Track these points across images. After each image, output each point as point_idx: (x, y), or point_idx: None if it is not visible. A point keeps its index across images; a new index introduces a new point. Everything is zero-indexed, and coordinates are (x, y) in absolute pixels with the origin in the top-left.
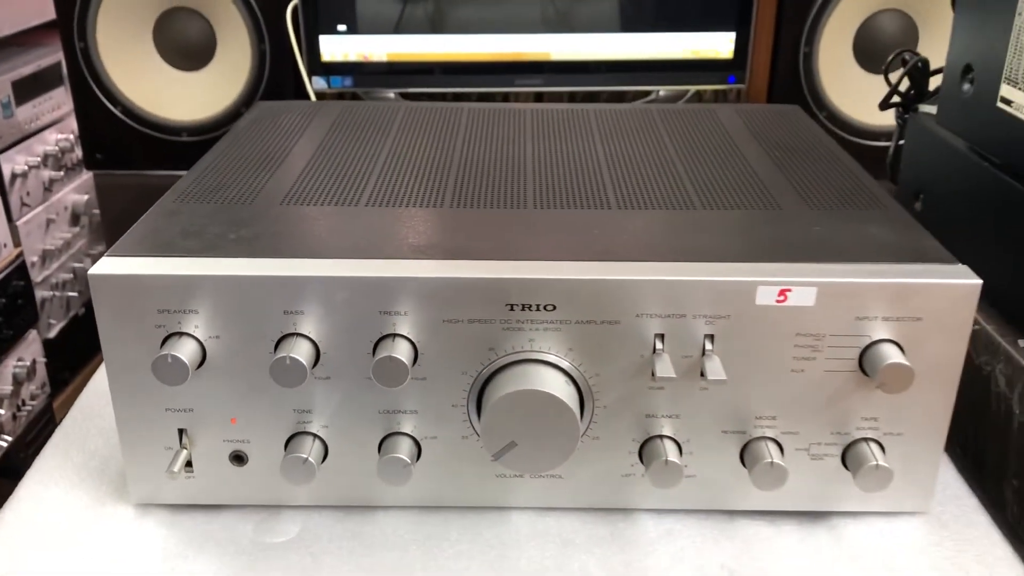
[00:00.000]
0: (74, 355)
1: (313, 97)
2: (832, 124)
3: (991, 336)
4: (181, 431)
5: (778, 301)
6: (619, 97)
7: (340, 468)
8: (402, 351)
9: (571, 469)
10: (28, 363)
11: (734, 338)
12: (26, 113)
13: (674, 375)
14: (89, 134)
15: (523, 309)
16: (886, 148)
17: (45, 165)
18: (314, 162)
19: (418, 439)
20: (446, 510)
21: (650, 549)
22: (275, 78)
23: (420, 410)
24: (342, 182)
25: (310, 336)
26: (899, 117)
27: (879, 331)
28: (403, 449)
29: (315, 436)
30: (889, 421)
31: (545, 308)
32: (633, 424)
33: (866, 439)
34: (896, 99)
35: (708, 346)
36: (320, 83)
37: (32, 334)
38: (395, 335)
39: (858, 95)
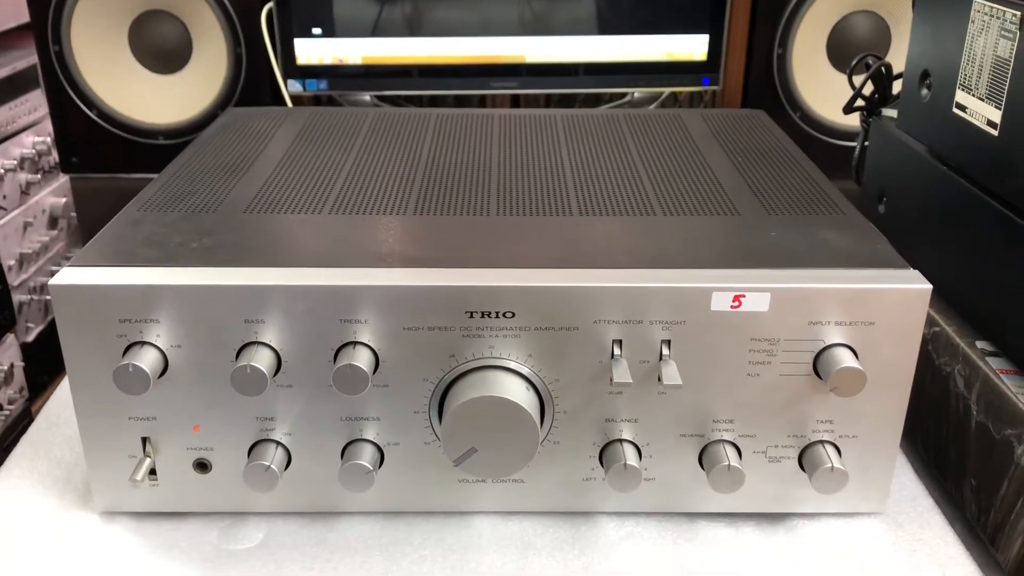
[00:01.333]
0: (52, 359)
1: (288, 100)
2: (806, 124)
3: (950, 337)
4: (144, 439)
5: (733, 307)
6: (594, 99)
7: (303, 475)
8: (362, 359)
9: (533, 473)
10: (6, 367)
11: (690, 343)
12: (2, 116)
13: (631, 381)
14: (65, 137)
15: (483, 316)
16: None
17: (22, 168)
18: (280, 170)
19: (380, 445)
20: (409, 515)
21: (610, 552)
22: (251, 81)
23: (382, 417)
24: (307, 190)
25: (271, 345)
26: (863, 121)
27: (832, 335)
28: (365, 456)
29: (278, 443)
30: (844, 423)
31: (504, 315)
32: (593, 428)
33: (822, 441)
34: (860, 103)
35: (665, 351)
36: (295, 86)
37: (9, 338)
38: (356, 343)
39: (832, 96)
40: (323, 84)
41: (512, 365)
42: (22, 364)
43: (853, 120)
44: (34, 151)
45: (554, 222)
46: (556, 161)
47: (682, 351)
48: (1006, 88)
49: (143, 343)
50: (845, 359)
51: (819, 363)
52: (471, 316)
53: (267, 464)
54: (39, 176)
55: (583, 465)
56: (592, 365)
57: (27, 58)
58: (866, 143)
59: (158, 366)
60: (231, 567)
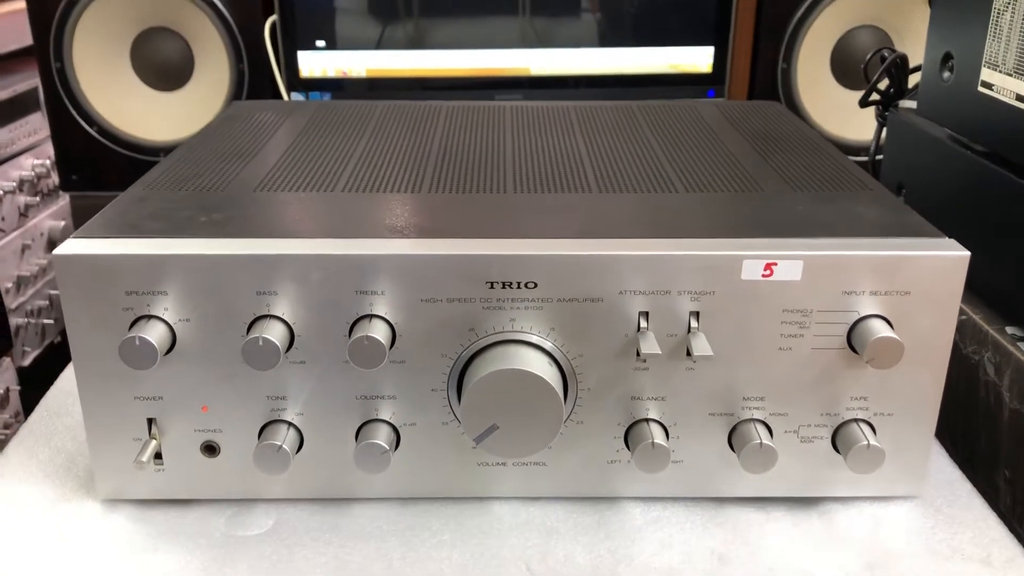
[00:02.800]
0: (49, 383)
1: None
2: None
3: (978, 325)
4: (150, 421)
5: (764, 276)
6: None
7: (316, 458)
8: (379, 331)
9: (555, 456)
10: (1, 391)
11: (720, 315)
12: (1, 137)
13: (660, 352)
14: (65, 155)
15: (504, 287)
16: (866, 162)
17: (21, 190)
18: (290, 153)
19: (396, 426)
20: (426, 501)
21: (637, 536)
22: (254, 96)
23: (398, 395)
24: (318, 170)
25: (284, 318)
26: (879, 115)
27: (867, 306)
28: (381, 436)
29: (290, 424)
30: (879, 401)
31: (526, 286)
32: (618, 407)
33: (856, 420)
34: (876, 97)
35: (693, 323)
36: (299, 99)
37: (6, 362)
38: (372, 316)
39: (836, 110)
40: (327, 97)
41: (534, 339)
42: (18, 388)
43: (858, 134)
44: (33, 173)
45: (574, 199)
46: (571, 145)
47: (711, 323)
48: None
49: (150, 316)
50: (881, 329)
51: (853, 335)
52: (492, 287)
53: (278, 445)
54: (38, 198)
55: (608, 446)
56: (617, 339)
57: (27, 81)
58: (881, 141)
59: (165, 341)
60: (239, 553)
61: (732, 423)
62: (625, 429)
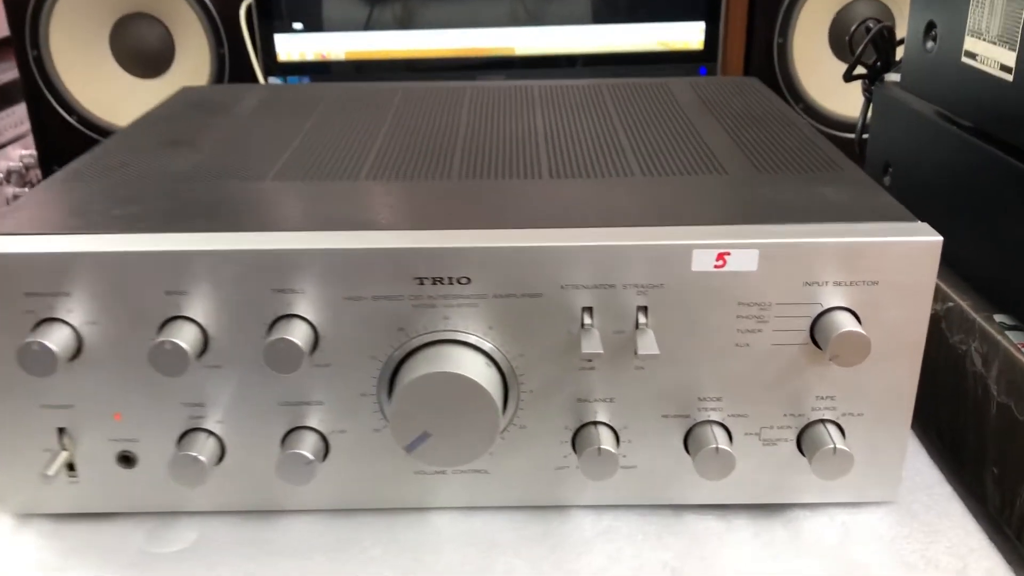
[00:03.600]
0: None
1: None
2: (809, 116)
3: (965, 312)
4: (61, 430)
5: (716, 266)
6: None
7: (240, 469)
8: (298, 333)
9: (498, 462)
10: None
11: (670, 309)
12: None
13: (601, 351)
14: (45, 144)
15: (434, 283)
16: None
17: (8, 181)
18: (226, 140)
19: (325, 433)
20: (359, 513)
21: (584, 549)
22: (235, 81)
23: (326, 400)
24: (251, 158)
25: (196, 320)
26: (866, 90)
27: (831, 298)
28: (307, 445)
29: (209, 433)
30: (848, 400)
31: (459, 281)
32: (564, 410)
33: (823, 420)
34: (861, 71)
35: (641, 319)
36: (277, 83)
37: None
38: (291, 315)
39: (835, 86)
40: (306, 80)
41: (470, 339)
42: None
43: (858, 110)
44: (21, 164)
45: (521, 185)
46: (530, 129)
47: (661, 319)
48: (1021, 26)
49: (53, 319)
50: (846, 323)
51: (816, 329)
52: (421, 283)
53: (195, 455)
54: (27, 190)
55: (554, 452)
56: (560, 337)
57: (12, 71)
58: (868, 116)
59: (70, 345)
60: (157, 571)
61: (688, 425)
62: (572, 433)
